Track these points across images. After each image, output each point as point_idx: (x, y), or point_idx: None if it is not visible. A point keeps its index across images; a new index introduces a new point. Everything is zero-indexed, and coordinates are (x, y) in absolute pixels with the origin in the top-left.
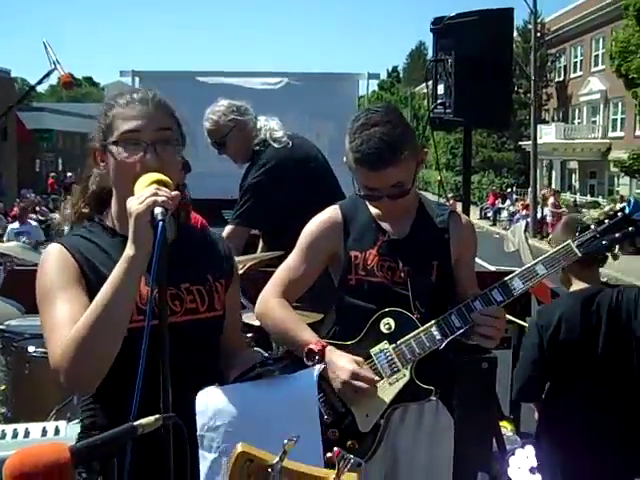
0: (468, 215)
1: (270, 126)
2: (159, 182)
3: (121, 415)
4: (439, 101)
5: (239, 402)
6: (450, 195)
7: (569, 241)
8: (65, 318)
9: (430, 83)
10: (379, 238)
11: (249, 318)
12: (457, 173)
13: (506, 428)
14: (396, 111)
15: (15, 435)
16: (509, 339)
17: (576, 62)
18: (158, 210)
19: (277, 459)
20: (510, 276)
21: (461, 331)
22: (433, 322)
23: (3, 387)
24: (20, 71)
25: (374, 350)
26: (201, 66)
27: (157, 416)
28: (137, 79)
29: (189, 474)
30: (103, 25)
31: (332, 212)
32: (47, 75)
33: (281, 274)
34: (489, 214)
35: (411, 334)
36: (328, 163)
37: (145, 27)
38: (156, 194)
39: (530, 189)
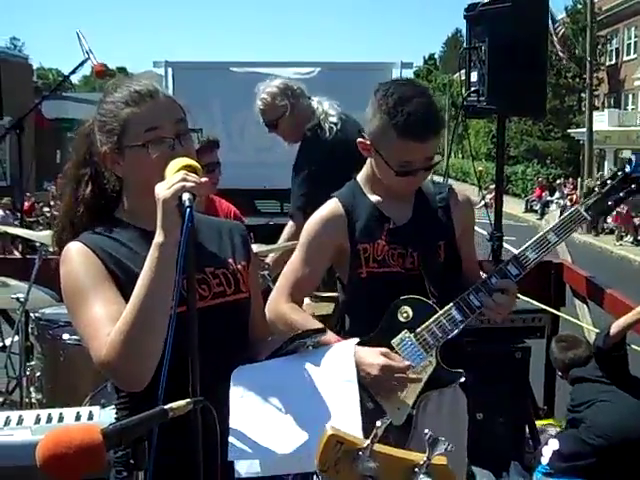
0: (501, 206)
1: (324, 108)
2: (188, 167)
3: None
4: (472, 89)
5: (272, 374)
6: (492, 187)
7: (577, 206)
8: (103, 317)
9: (464, 71)
10: (384, 227)
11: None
12: None
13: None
14: (416, 81)
15: (49, 420)
16: (543, 328)
17: (630, 44)
18: (186, 196)
19: (368, 442)
20: (523, 248)
21: (480, 309)
22: (452, 304)
23: (38, 374)
24: (55, 62)
25: (395, 341)
26: (234, 56)
27: (187, 400)
28: (170, 70)
29: (219, 456)
30: (137, 16)
31: (333, 206)
32: (80, 65)
33: (287, 276)
34: (536, 207)
35: (431, 319)
36: None
37: (179, 17)
38: (184, 179)
39: (585, 180)
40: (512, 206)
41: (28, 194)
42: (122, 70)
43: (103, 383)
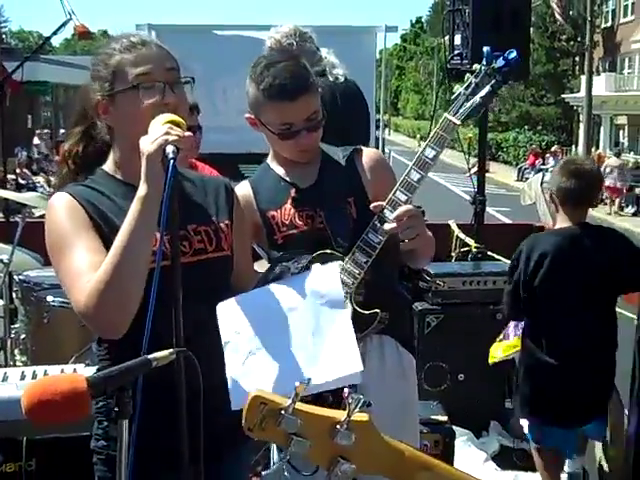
0: (484, 170)
1: (330, 60)
2: (172, 122)
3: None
4: (456, 52)
5: (260, 303)
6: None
7: (445, 114)
8: (84, 265)
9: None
10: (290, 192)
11: (264, 267)
12: (490, 130)
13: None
14: (291, 49)
15: (34, 376)
16: None
17: (627, 5)
18: (170, 149)
19: (290, 402)
20: (406, 172)
21: (381, 245)
22: (354, 248)
23: (23, 336)
24: (35, 25)
25: None
26: (218, 20)
27: (170, 350)
28: (153, 33)
29: (202, 407)
30: None
31: (240, 187)
32: (62, 25)
33: None
34: (528, 175)
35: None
36: (369, 114)
37: None
38: (168, 133)
39: (581, 148)
40: (503, 174)
41: None
42: (104, 33)
43: (87, 345)
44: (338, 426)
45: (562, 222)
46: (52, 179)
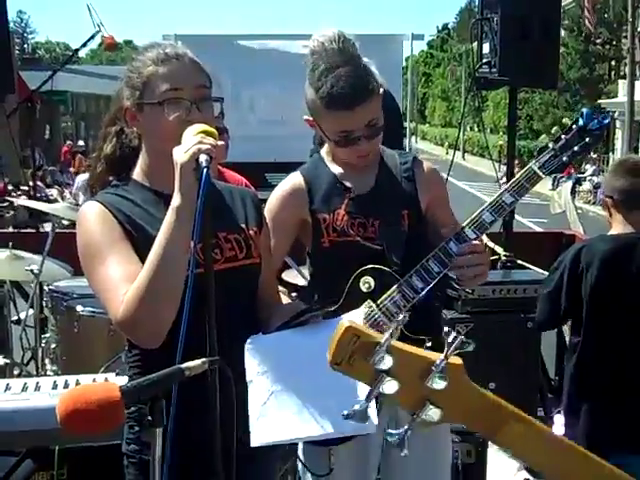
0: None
1: (371, 68)
2: (204, 132)
3: (170, 365)
4: (484, 60)
5: (287, 346)
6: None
7: (531, 164)
8: (119, 276)
9: (476, 43)
10: (345, 196)
11: (293, 277)
12: (520, 137)
13: None
14: (350, 50)
15: (66, 386)
16: None
17: None
18: (203, 157)
19: (387, 336)
20: (479, 211)
21: (441, 275)
22: (412, 271)
23: (53, 346)
24: (62, 36)
25: None
26: (242, 29)
27: (203, 359)
28: (179, 43)
29: (235, 414)
30: None
31: (294, 179)
32: (91, 37)
33: None
34: (564, 184)
35: (393, 288)
36: (402, 124)
37: None
38: (201, 142)
39: (619, 155)
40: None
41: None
42: (129, 43)
43: (117, 354)
44: (433, 368)
45: (617, 227)
46: (66, 191)
